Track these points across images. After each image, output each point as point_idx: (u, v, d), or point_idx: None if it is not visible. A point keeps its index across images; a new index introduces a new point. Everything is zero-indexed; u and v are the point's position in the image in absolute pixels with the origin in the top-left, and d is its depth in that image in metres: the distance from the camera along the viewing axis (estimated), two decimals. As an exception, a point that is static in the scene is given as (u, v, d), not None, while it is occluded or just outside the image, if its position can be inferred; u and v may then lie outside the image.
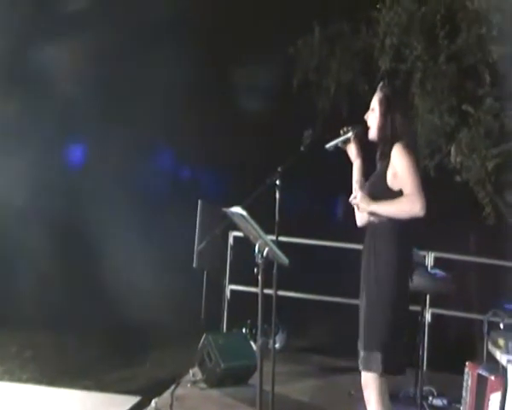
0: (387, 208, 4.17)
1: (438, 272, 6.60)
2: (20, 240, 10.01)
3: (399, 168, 4.17)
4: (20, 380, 7.27)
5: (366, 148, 4.51)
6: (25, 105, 9.94)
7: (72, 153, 11.97)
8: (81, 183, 10.88)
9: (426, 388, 6.62)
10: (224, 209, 4.48)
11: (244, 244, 5.06)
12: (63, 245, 10.48)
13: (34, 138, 9.93)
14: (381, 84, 4.51)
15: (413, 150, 4.26)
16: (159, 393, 6.66)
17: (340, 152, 4.58)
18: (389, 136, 4.28)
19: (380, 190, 4.26)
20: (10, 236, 9.86)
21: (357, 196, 4.31)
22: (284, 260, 4.49)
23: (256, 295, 4.53)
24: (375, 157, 4.47)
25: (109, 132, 10.54)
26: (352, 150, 4.52)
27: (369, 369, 4.17)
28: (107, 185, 10.39)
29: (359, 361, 4.27)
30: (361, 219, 4.49)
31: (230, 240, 8.76)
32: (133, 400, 6.79)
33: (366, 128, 4.46)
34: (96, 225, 10.23)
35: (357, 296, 4.48)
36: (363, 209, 4.29)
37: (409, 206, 4.08)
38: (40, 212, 10.18)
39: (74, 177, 11.35)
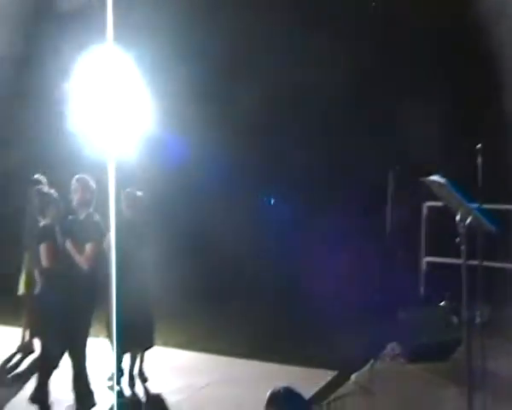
0: None
1: None
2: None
3: None
4: (208, 351, 7.69)
5: None
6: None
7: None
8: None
9: None
10: (423, 179, 4.26)
11: (440, 214, 4.79)
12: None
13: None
14: None
15: None
16: (357, 368, 6.61)
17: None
18: None
19: None
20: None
21: None
22: (491, 227, 4.19)
23: (454, 266, 4.28)
24: None
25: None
26: None
27: None
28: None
29: None
30: None
31: (424, 211, 8.37)
32: (330, 374, 6.83)
33: None
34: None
35: None
36: None
37: None
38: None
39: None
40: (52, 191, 6.17)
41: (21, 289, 7.26)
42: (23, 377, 6.71)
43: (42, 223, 5.94)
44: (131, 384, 6.55)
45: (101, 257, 5.90)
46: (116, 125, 8.24)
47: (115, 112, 8.37)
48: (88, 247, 5.70)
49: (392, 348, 6.89)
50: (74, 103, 8.64)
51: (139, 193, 6.76)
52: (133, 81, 8.74)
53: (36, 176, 7.27)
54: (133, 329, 6.27)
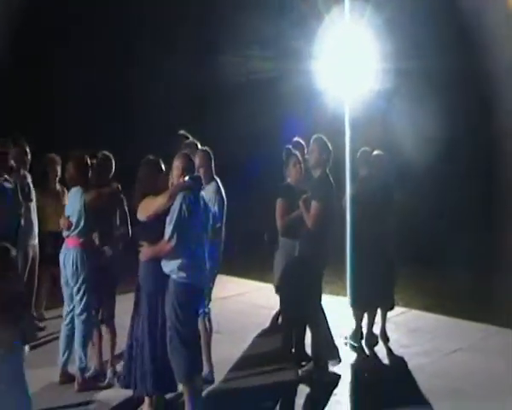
0: None
1: None
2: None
3: None
4: (456, 315, 7.27)
5: None
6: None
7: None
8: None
9: None
10: None
11: None
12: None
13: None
14: None
15: None
16: None
17: None
18: None
19: None
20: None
21: None
22: None
23: None
24: None
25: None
26: None
27: None
28: None
29: None
30: None
31: None
32: None
33: None
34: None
35: None
36: None
37: None
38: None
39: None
40: (296, 152, 6.20)
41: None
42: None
43: (286, 182, 6.07)
44: (372, 344, 6.43)
45: (330, 217, 5.79)
46: (354, 85, 8.16)
47: (353, 73, 8.30)
48: (313, 206, 5.64)
49: None
50: (318, 64, 8.68)
51: (376, 152, 6.54)
52: (370, 41, 8.52)
53: (295, 139, 7.46)
54: (372, 288, 6.16)
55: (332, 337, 5.87)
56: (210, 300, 5.63)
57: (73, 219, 5.45)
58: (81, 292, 5.44)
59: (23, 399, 3.79)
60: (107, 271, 5.53)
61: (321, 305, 5.83)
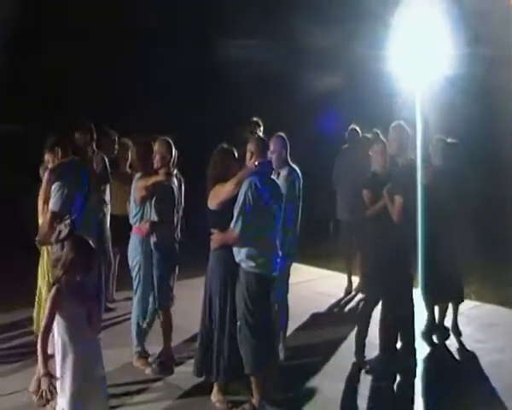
0: None
1: None
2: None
3: None
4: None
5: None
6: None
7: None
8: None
9: None
10: None
11: None
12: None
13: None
14: None
15: None
16: None
17: None
18: None
19: None
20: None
21: None
22: None
23: None
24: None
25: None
26: None
27: None
28: None
29: None
30: None
31: None
32: None
33: None
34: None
35: None
36: None
37: None
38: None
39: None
40: (383, 140, 6.01)
41: None
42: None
43: (372, 170, 5.85)
44: (443, 337, 6.24)
45: (413, 206, 5.61)
46: (426, 72, 7.93)
47: (427, 60, 8.06)
48: (397, 201, 5.43)
49: None
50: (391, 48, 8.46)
51: (450, 140, 6.31)
52: (443, 26, 8.24)
53: (352, 126, 7.34)
54: (441, 280, 5.96)
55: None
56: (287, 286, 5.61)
57: (131, 206, 5.59)
58: (134, 275, 5.56)
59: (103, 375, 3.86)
60: (163, 258, 5.47)
61: (412, 299, 5.63)
